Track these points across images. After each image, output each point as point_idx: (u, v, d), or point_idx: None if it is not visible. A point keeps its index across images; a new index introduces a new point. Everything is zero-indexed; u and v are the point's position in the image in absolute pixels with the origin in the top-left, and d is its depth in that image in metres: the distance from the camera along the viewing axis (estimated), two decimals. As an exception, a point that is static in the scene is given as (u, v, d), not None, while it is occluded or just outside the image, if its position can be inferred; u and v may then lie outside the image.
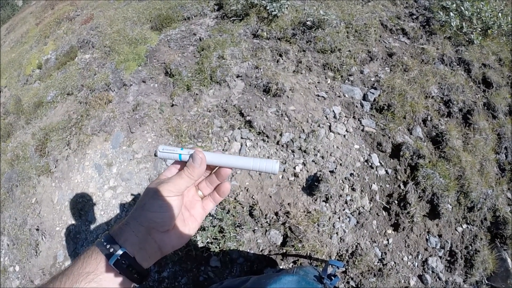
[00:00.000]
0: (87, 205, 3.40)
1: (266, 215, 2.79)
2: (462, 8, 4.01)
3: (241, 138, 3.21)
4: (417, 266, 2.66)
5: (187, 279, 2.74)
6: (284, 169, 3.00)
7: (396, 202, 2.81)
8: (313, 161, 3.00)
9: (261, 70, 3.55)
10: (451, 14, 3.98)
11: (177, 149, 0.80)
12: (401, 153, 2.95)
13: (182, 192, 0.76)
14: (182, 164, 0.81)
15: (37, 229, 3.51)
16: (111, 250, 0.67)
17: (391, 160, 3.02)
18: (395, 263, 2.63)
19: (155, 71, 4.09)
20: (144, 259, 0.71)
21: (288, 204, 2.80)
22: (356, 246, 2.65)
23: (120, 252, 0.67)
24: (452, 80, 3.47)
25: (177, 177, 0.77)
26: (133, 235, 0.70)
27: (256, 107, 3.34)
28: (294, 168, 2.99)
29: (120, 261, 0.66)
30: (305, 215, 2.71)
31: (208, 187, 0.88)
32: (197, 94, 3.61)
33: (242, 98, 3.45)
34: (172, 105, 3.67)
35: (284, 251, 2.62)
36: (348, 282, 2.57)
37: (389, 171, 2.95)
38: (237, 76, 3.61)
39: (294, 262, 2.63)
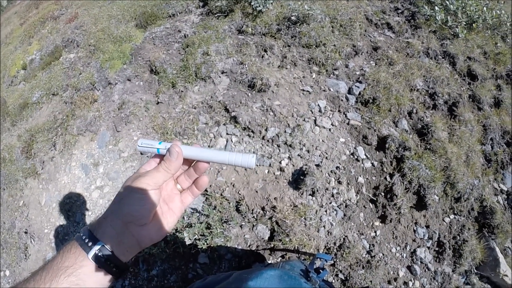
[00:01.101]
0: (74, 206, 3.37)
1: (252, 210, 2.79)
2: (447, 2, 4.04)
3: (227, 134, 3.20)
4: (406, 257, 2.67)
5: (176, 276, 2.73)
6: (270, 164, 3.00)
7: (382, 194, 2.82)
8: (298, 155, 3.00)
9: (246, 65, 3.55)
10: (436, 8, 4.00)
11: (155, 143, 0.81)
12: (387, 145, 2.96)
13: (159, 185, 0.77)
14: (161, 157, 0.82)
15: (26, 232, 3.47)
16: (89, 244, 0.68)
17: (377, 152, 3.02)
18: (383, 254, 2.64)
19: (140, 69, 4.06)
20: (122, 252, 0.71)
21: (275, 198, 2.79)
22: (344, 239, 2.66)
23: (98, 246, 0.67)
24: (437, 73, 3.48)
25: (154, 171, 0.78)
26: (111, 229, 0.70)
27: (241, 102, 3.33)
28: (280, 162, 2.99)
29: (98, 255, 0.67)
30: (292, 209, 2.71)
31: (186, 181, 0.88)
32: (182, 91, 3.59)
33: (227, 94, 3.44)
34: (158, 103, 3.65)
35: (272, 245, 2.62)
36: (336, 275, 2.58)
37: (375, 163, 2.96)
38: (222, 72, 3.60)
39: (282, 257, 2.62)
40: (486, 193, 2.89)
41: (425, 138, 3.07)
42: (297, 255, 2.59)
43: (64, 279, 0.63)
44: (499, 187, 3.03)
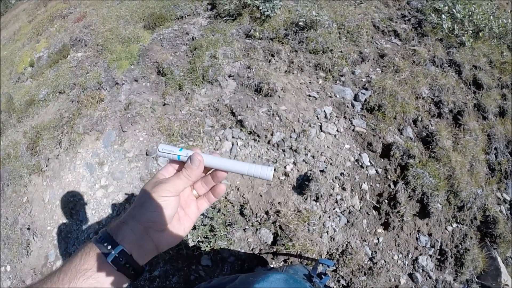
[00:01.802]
0: (78, 204, 3.38)
1: (256, 214, 2.80)
2: (454, 10, 4.05)
3: (232, 137, 3.22)
4: (407, 264, 2.68)
5: (178, 278, 2.73)
6: (275, 169, 3.01)
7: (386, 201, 2.82)
8: (303, 160, 3.01)
9: (253, 70, 3.56)
10: (443, 16, 4.01)
11: (176, 149, 0.82)
12: (392, 153, 2.97)
13: (179, 192, 0.78)
14: (179, 163, 0.84)
15: (28, 229, 3.48)
16: (109, 247, 0.69)
17: (382, 160, 3.03)
18: (385, 261, 2.65)
19: (147, 70, 4.08)
20: (140, 256, 0.73)
21: (279, 203, 2.80)
22: (347, 245, 2.67)
23: (118, 250, 0.69)
24: (443, 81, 3.49)
25: (175, 177, 0.79)
26: (131, 233, 0.72)
27: (247, 106, 3.34)
28: (285, 167, 3.00)
29: (118, 259, 0.68)
30: (296, 214, 2.72)
31: (203, 187, 0.89)
32: (189, 93, 3.61)
33: (234, 98, 3.46)
34: (164, 104, 3.67)
35: (275, 250, 2.63)
36: (338, 281, 2.58)
37: (379, 170, 2.97)
38: (229, 76, 3.62)
39: (285, 261, 2.63)
40: (489, 203, 2.89)
41: (430, 146, 3.08)
42: (299, 260, 2.59)
43: (83, 281, 0.64)
44: (502, 196, 3.04)
